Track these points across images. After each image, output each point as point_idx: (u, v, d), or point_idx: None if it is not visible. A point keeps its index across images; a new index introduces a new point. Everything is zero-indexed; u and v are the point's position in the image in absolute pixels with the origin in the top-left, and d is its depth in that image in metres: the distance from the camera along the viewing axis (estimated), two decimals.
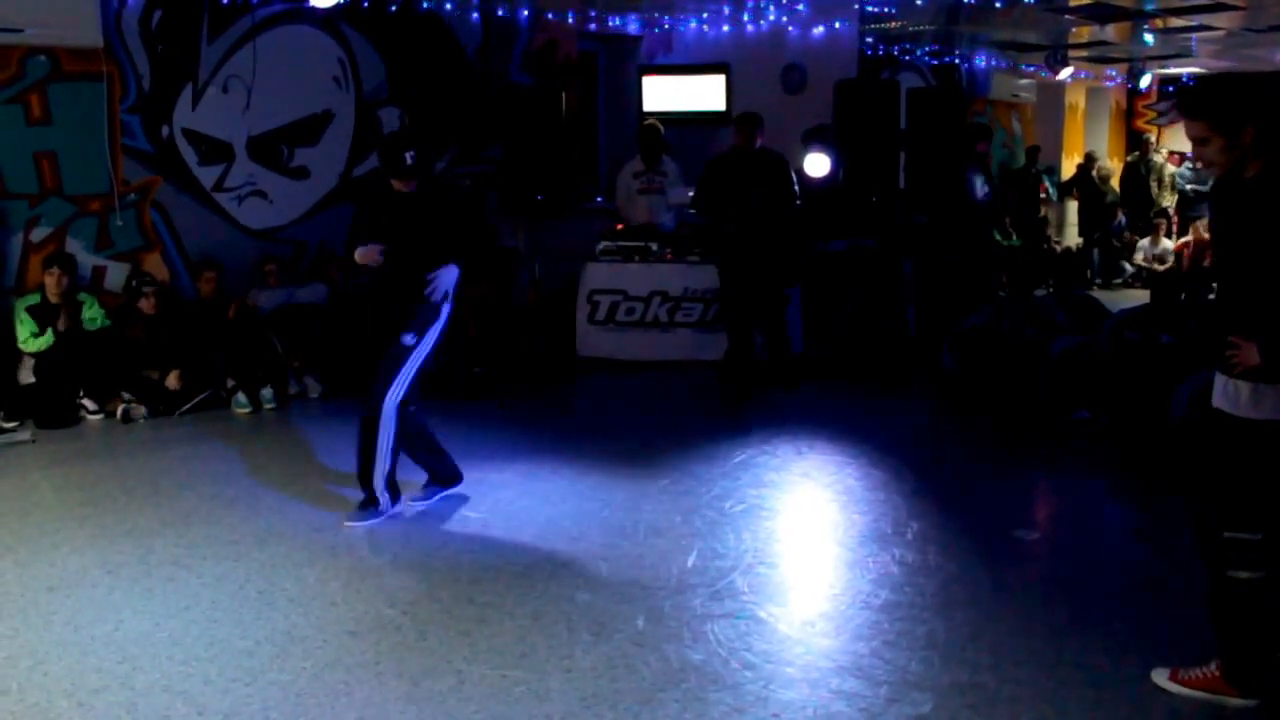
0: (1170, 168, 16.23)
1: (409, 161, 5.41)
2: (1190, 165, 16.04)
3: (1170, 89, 18.16)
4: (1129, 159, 16.86)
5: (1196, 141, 3.48)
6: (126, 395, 7.62)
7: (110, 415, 7.61)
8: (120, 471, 6.41)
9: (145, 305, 7.94)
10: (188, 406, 7.75)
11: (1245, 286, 3.50)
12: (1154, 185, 15.77)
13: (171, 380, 7.68)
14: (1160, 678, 3.79)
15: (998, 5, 10.41)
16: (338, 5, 8.81)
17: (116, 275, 8.29)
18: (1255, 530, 3.52)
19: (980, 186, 10.35)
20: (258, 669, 3.92)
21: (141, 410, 7.60)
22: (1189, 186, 15.77)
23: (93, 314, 7.72)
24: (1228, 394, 3.55)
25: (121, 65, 8.21)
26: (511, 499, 5.81)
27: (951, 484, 6.30)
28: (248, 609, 4.44)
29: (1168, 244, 14.76)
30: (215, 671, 3.90)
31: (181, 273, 8.62)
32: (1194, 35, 13.11)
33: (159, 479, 6.25)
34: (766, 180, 8.18)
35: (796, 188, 8.42)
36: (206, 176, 8.81)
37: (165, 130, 8.53)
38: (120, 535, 5.27)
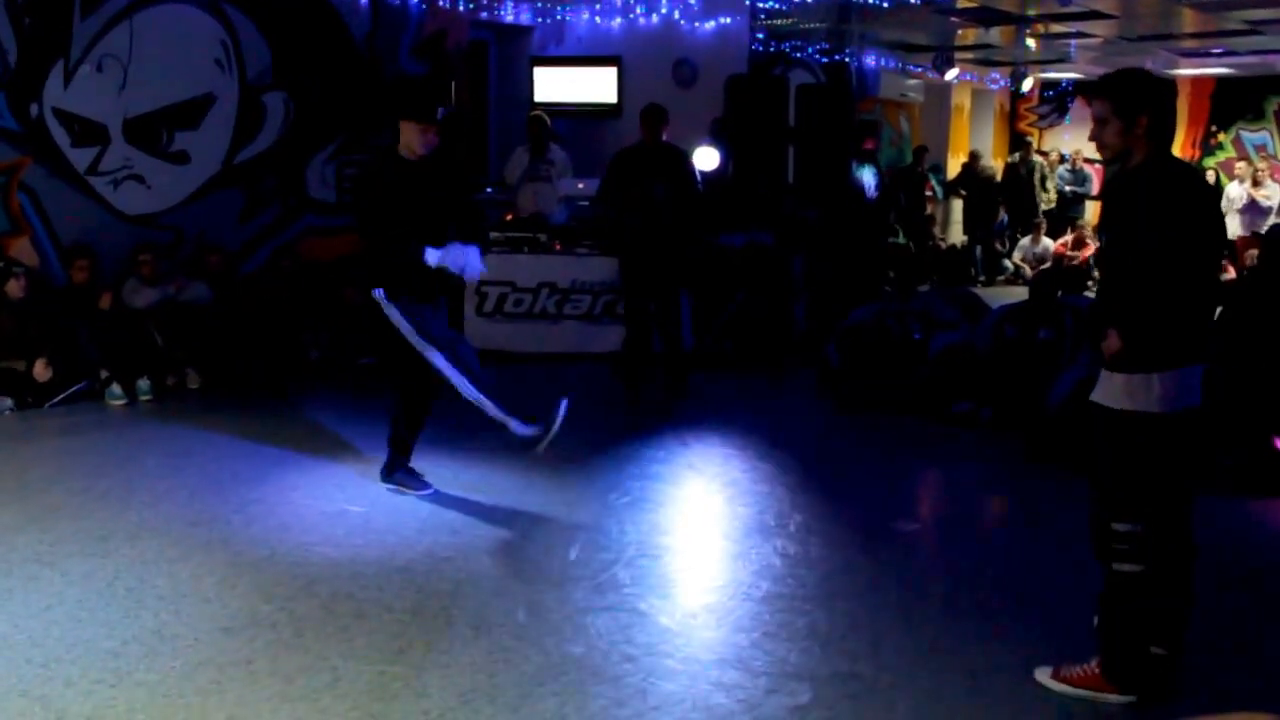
0: (1058, 169, 16.74)
1: (440, 115, 5.30)
2: (1068, 167, 16.56)
3: (1050, 93, 18.70)
4: (1010, 159, 17.33)
5: (1098, 121, 3.66)
6: None
7: None
8: None
9: (14, 288, 7.59)
10: (59, 398, 7.45)
11: (1116, 275, 3.65)
12: (1035, 185, 16.23)
13: (38, 368, 7.37)
14: (1043, 675, 3.82)
15: (886, 5, 10.59)
16: None
17: None
18: (1136, 522, 3.59)
19: (871, 183, 10.51)
20: (124, 670, 3.79)
21: (8, 402, 7.29)
22: (1068, 188, 16.28)
23: None
24: (1103, 386, 3.66)
25: None
26: (394, 492, 5.71)
27: (835, 477, 6.39)
28: (115, 607, 4.29)
29: (1048, 243, 15.20)
30: (78, 673, 3.75)
31: (52, 259, 8.28)
32: (1073, 42, 13.55)
33: (25, 473, 6.00)
34: (670, 174, 8.19)
35: (699, 182, 8.46)
36: (80, 159, 8.47)
37: (34, 109, 8.18)
38: None
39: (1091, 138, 3.74)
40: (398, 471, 5.74)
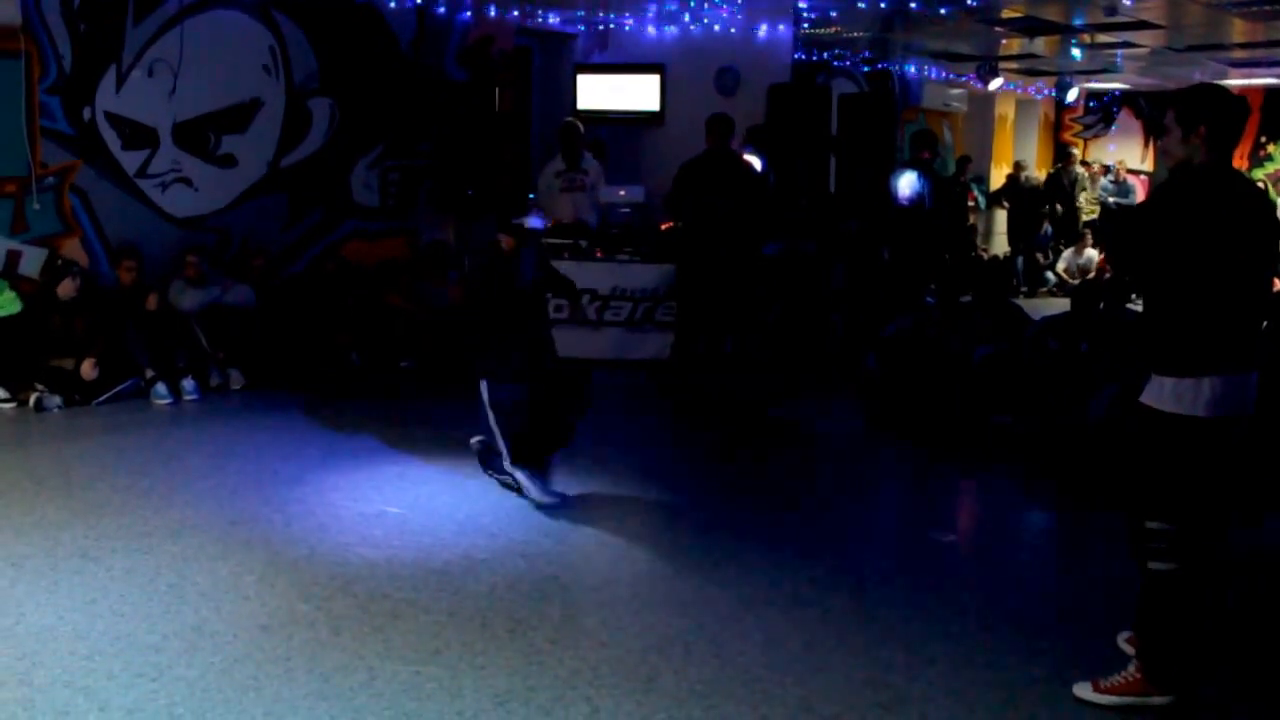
0: (1101, 180, 16.59)
1: None
2: (1112, 179, 16.42)
3: (1095, 103, 18.53)
4: (1052, 170, 17.19)
5: (1164, 129, 3.79)
6: (39, 385, 7.42)
7: (23, 404, 7.41)
8: (30, 461, 6.25)
9: (66, 288, 7.71)
10: (105, 396, 7.58)
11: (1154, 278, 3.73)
12: (1077, 196, 16.10)
13: (86, 367, 7.50)
14: (1083, 691, 3.80)
15: (929, 15, 10.54)
16: None
17: (32, 260, 8.07)
18: (1169, 521, 3.67)
19: (926, 191, 10.41)
20: (164, 664, 3.85)
21: (56, 400, 7.42)
22: (1111, 199, 16.13)
23: (4, 299, 7.51)
24: (1152, 389, 3.73)
25: (41, 44, 7.99)
26: (432, 494, 5.77)
27: (872, 486, 6.37)
28: (157, 603, 4.36)
29: (1092, 254, 15.06)
30: (119, 666, 3.82)
31: (101, 259, 8.42)
32: (1119, 52, 13.42)
33: (71, 469, 6.11)
34: (733, 186, 8.21)
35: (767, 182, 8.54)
36: (129, 161, 8.61)
37: (87, 112, 8.33)
38: (27, 527, 5.13)
39: (1160, 145, 3.86)
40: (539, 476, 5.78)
